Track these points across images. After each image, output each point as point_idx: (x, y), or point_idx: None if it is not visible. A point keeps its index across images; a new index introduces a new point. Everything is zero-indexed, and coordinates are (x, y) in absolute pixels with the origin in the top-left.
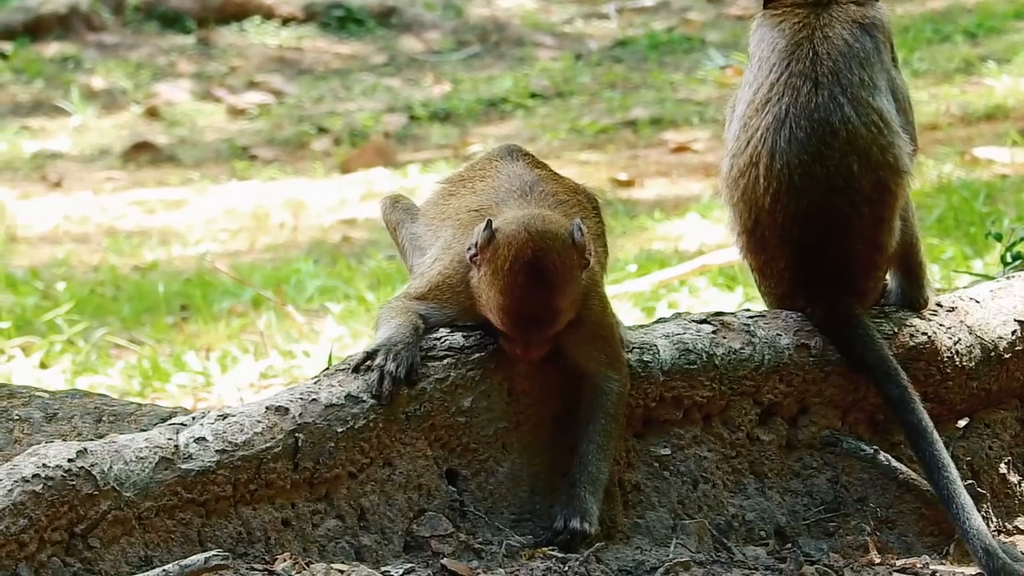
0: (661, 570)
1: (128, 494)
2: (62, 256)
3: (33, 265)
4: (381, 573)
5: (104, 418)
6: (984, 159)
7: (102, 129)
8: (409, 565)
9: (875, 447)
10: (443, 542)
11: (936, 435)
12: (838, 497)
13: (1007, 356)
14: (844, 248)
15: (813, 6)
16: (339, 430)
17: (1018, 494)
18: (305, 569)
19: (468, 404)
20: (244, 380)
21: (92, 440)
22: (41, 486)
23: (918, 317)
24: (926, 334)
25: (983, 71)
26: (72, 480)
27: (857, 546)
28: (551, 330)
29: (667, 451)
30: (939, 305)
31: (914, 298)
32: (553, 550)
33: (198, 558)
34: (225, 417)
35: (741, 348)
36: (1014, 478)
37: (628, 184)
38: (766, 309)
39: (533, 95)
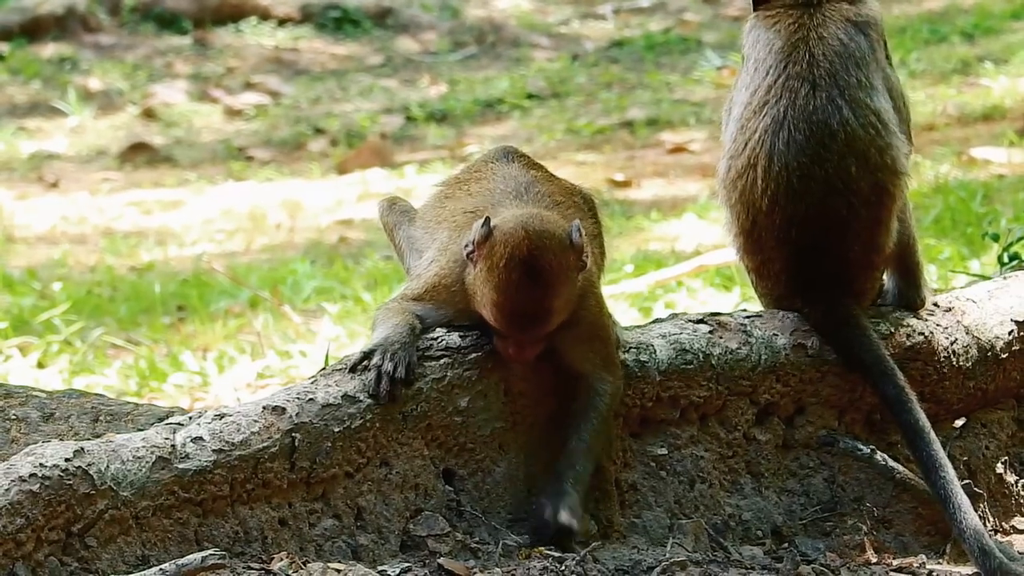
0: (658, 570)
1: (125, 493)
2: (59, 256)
3: (30, 265)
4: (378, 572)
5: (101, 418)
6: (981, 159)
7: (99, 130)
8: (406, 564)
9: (872, 447)
10: (440, 541)
11: (933, 435)
12: (835, 497)
13: (1004, 356)
14: (841, 249)
15: (805, 6)
16: (336, 430)
17: (1015, 494)
18: (302, 568)
19: (465, 404)
20: (241, 380)
21: (89, 440)
22: (38, 485)
23: (915, 317)
24: (923, 334)
25: (980, 71)
26: (69, 480)
27: (854, 546)
28: (543, 329)
29: (664, 451)
30: (936, 305)
31: (911, 298)
32: (550, 549)
33: (195, 557)
34: (222, 417)
35: (738, 348)
36: (1011, 478)
37: (625, 185)
38: (763, 309)
39: (529, 96)
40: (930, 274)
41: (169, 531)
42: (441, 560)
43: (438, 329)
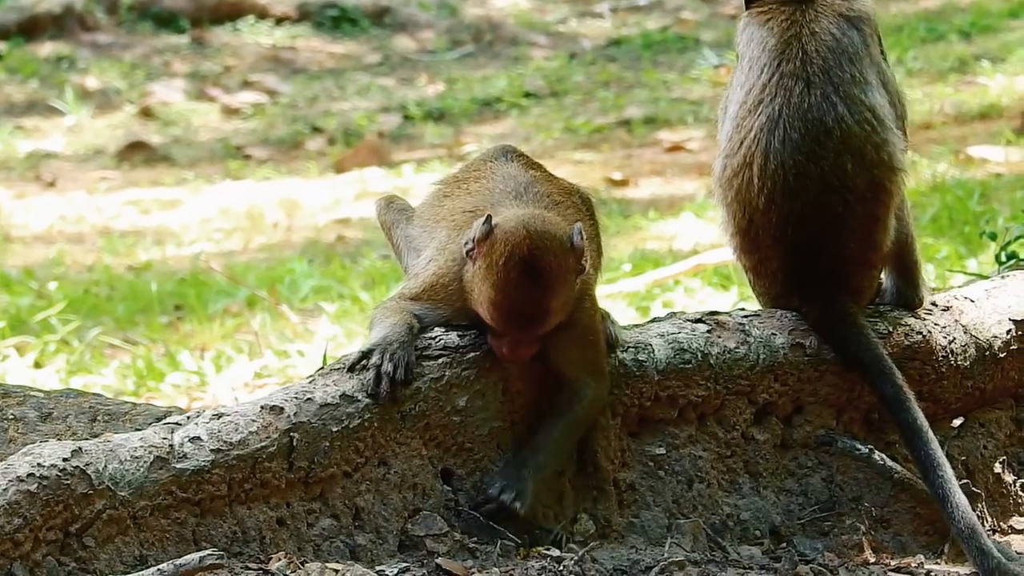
0: (656, 569)
1: (123, 493)
2: (56, 256)
3: (27, 265)
4: (376, 572)
5: (99, 418)
6: (978, 158)
7: (96, 129)
8: (404, 564)
9: (870, 446)
10: (438, 541)
11: (931, 434)
12: (833, 496)
13: (1002, 355)
14: (839, 247)
15: (798, 2)
16: (334, 429)
17: (1013, 493)
18: (300, 568)
19: (463, 403)
20: (239, 380)
21: (87, 440)
22: (36, 485)
23: (913, 316)
24: (921, 333)
25: (977, 70)
26: (67, 479)
27: (852, 545)
28: (539, 330)
29: (662, 450)
30: (934, 304)
31: (909, 297)
32: (548, 549)
33: (193, 557)
34: (220, 416)
35: (736, 347)
36: (1009, 477)
37: (622, 183)
38: (761, 308)
39: (527, 94)
40: (928, 273)
41: (167, 531)
42: (439, 560)
43: (436, 328)
